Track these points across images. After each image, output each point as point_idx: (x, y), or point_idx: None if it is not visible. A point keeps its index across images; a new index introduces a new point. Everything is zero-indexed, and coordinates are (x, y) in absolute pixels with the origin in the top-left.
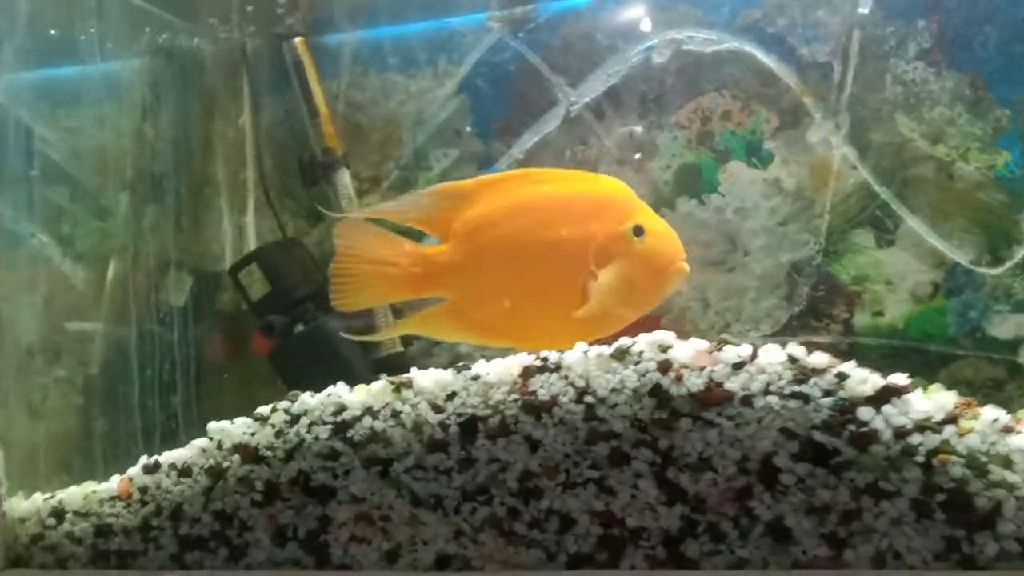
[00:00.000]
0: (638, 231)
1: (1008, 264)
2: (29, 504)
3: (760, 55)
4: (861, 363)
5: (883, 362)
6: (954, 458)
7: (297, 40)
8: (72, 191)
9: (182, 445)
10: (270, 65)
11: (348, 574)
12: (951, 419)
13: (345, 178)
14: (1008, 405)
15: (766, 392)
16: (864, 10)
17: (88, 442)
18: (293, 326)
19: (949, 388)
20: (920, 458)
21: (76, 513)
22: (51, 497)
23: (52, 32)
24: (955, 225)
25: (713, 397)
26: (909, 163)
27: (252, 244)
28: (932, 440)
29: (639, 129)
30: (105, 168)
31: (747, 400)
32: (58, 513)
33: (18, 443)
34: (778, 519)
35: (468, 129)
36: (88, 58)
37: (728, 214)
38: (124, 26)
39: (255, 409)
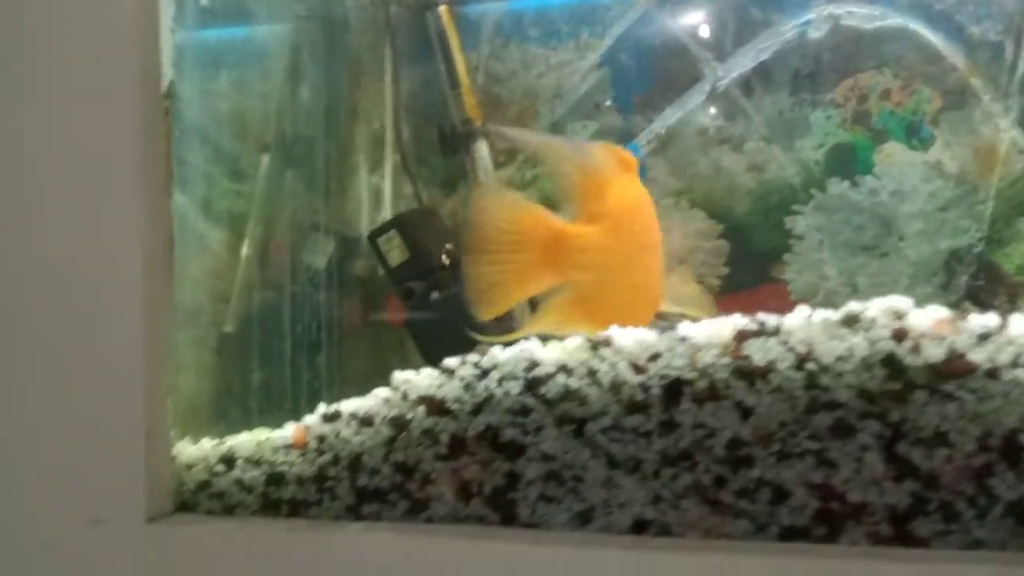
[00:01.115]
0: None
1: None
2: (196, 450)
3: (926, 32)
4: None
5: None
6: None
7: (442, 8)
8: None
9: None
10: (412, 33)
11: (536, 532)
12: None
13: (484, 150)
14: None
15: (1015, 365)
16: None
17: (245, 394)
18: (430, 293)
19: None
20: None
21: (247, 460)
22: (220, 443)
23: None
24: None
25: (954, 368)
26: None
27: (388, 211)
28: None
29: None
30: (261, 131)
31: (993, 373)
32: (228, 459)
33: (183, 393)
34: (1021, 500)
35: (608, 103)
36: (248, 21)
37: (883, 197)
38: None
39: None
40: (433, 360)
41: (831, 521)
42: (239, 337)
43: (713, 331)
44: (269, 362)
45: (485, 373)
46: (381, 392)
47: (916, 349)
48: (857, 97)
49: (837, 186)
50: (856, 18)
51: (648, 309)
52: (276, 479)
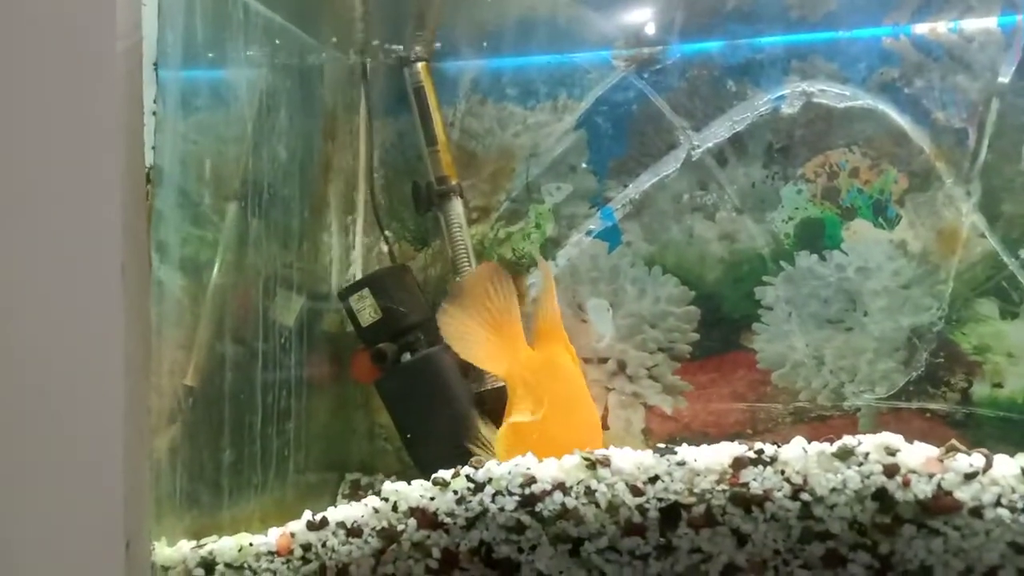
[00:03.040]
0: None
1: None
2: (174, 552)
3: (894, 114)
4: (976, 435)
5: (999, 436)
6: None
7: (420, 65)
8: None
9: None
10: (388, 88)
11: None
12: None
13: (458, 207)
14: None
15: (997, 504)
16: (1004, 79)
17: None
18: (402, 354)
19: None
20: None
21: (227, 565)
22: (199, 546)
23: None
24: None
25: (942, 505)
26: None
27: (359, 267)
28: None
29: None
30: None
31: (977, 511)
32: (208, 564)
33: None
34: None
35: (584, 165)
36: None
37: (849, 272)
38: (257, 40)
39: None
40: (402, 425)
41: None
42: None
43: (712, 457)
44: (241, 429)
45: (480, 487)
46: (371, 501)
47: (907, 484)
48: (827, 173)
49: (806, 259)
50: (828, 96)
51: None
52: None
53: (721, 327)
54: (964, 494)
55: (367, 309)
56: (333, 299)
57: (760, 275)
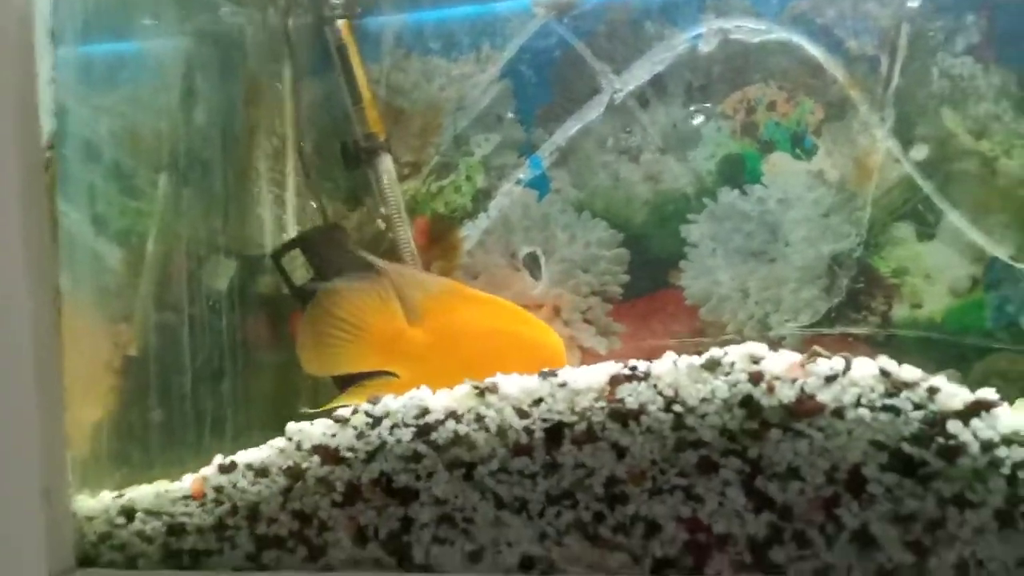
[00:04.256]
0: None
1: None
2: (96, 502)
3: (808, 46)
4: (898, 355)
5: (919, 355)
6: None
7: (341, 23)
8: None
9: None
10: (311, 47)
11: (430, 575)
12: None
13: (388, 163)
14: None
15: (857, 404)
16: (914, 3)
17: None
18: None
19: (984, 380)
20: (1006, 471)
21: (147, 512)
22: (120, 495)
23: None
24: (996, 221)
25: (805, 408)
26: (953, 158)
27: (291, 227)
28: (1019, 453)
29: None
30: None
31: (838, 412)
32: (128, 512)
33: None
34: (864, 527)
35: (511, 115)
36: (135, 37)
37: (770, 205)
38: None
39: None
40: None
41: (698, 552)
42: (140, 363)
43: (591, 376)
44: (170, 391)
45: (378, 421)
46: (276, 442)
47: (771, 390)
48: (745, 109)
49: (728, 195)
50: (744, 32)
51: None
52: (176, 530)
53: (650, 267)
54: (826, 396)
55: (300, 268)
56: (267, 262)
57: (685, 213)
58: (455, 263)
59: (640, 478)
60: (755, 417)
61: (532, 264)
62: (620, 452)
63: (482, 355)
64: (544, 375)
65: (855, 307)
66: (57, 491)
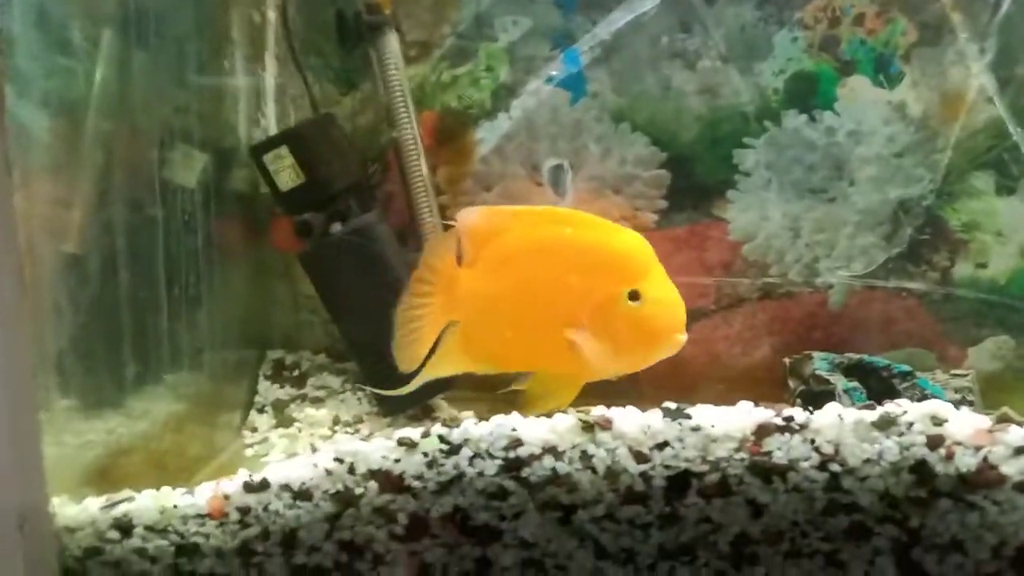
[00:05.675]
0: (634, 296)
1: None
2: (79, 511)
3: None
4: (952, 316)
5: (975, 317)
6: None
7: None
8: None
9: None
10: None
11: None
12: None
13: (394, 43)
14: None
15: None
16: None
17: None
18: (330, 224)
19: None
20: None
21: (150, 529)
22: (111, 505)
23: None
24: None
25: (984, 480)
26: None
27: (272, 114)
28: None
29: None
30: None
31: (1021, 486)
32: (124, 527)
33: None
34: None
35: None
36: None
37: (839, 136)
38: None
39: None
40: (332, 304)
41: None
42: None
43: (733, 422)
44: (136, 306)
45: (455, 449)
46: (322, 462)
47: (950, 457)
48: (829, 19)
49: (793, 119)
50: None
51: (540, 353)
52: (189, 550)
53: (693, 194)
54: (1011, 468)
55: (286, 171)
56: (243, 154)
57: (741, 136)
58: (465, 169)
59: (777, 539)
60: (925, 484)
61: (556, 178)
62: (757, 510)
63: (544, 272)
64: (673, 415)
65: (915, 260)
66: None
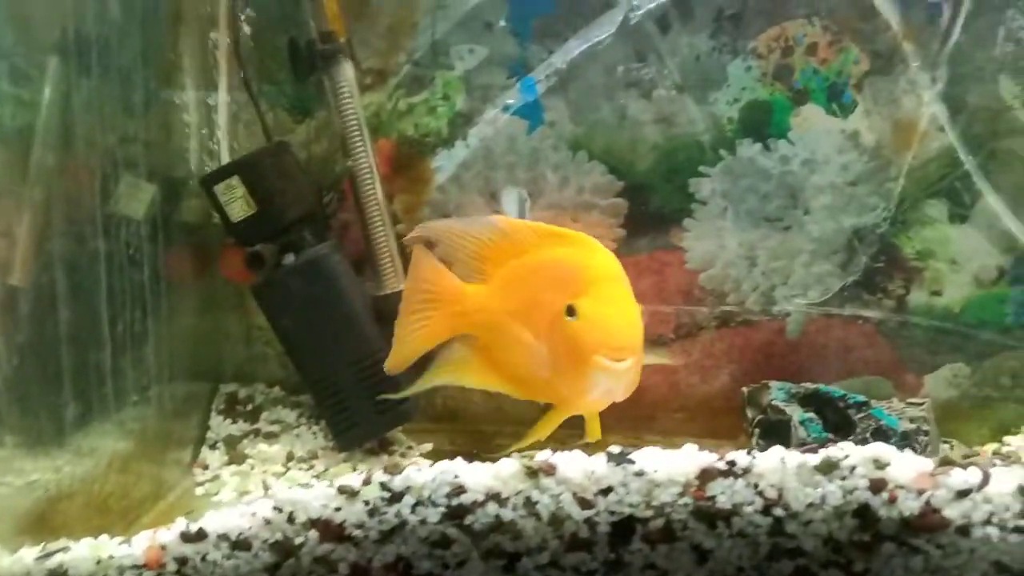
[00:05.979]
0: (570, 311)
1: None
2: (12, 563)
3: None
4: (908, 344)
5: (930, 345)
6: None
7: None
8: None
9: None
10: None
11: None
12: None
13: (349, 71)
14: None
15: (987, 523)
16: None
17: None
18: (283, 255)
19: (994, 378)
20: None
21: None
22: (46, 555)
23: None
24: None
25: (928, 523)
26: (1002, 134)
27: (224, 143)
28: None
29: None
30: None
31: (964, 529)
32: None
33: None
34: None
35: (503, 23)
36: None
37: (794, 165)
38: None
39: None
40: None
41: None
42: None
43: (675, 467)
44: (82, 340)
45: (397, 497)
46: (260, 510)
47: (893, 501)
48: (782, 49)
49: (748, 148)
50: None
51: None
52: None
53: (649, 222)
54: (954, 511)
55: (238, 201)
56: (194, 184)
57: (697, 165)
58: (423, 199)
59: None
60: (868, 529)
61: (513, 207)
62: (702, 555)
63: (533, 289)
64: (616, 459)
65: (870, 288)
66: None
